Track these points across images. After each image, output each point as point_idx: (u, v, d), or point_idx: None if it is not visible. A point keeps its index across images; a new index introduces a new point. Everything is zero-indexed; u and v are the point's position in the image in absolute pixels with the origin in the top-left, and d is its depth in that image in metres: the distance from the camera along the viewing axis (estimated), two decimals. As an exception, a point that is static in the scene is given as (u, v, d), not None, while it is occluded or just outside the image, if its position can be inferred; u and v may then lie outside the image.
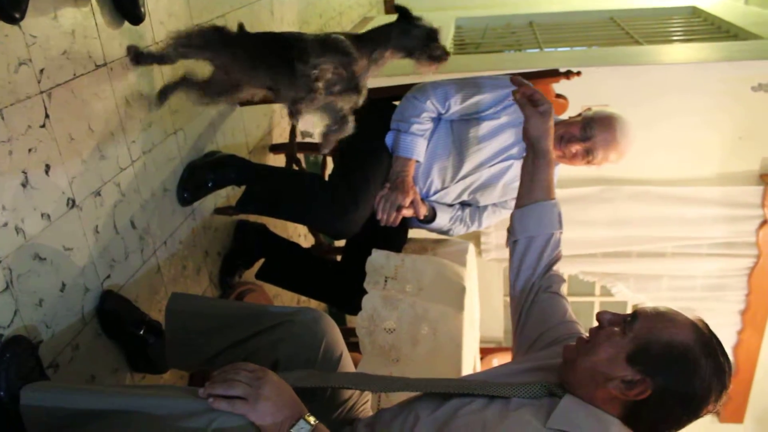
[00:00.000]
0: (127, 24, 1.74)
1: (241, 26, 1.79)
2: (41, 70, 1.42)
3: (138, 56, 1.76)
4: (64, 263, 1.50)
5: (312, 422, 1.08)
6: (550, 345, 1.43)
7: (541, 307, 1.50)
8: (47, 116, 1.44)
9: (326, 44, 1.62)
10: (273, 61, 1.67)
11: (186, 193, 2.06)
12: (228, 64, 1.75)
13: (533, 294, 1.52)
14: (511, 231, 1.60)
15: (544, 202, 1.55)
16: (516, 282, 1.56)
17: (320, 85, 1.58)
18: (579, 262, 4.02)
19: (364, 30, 1.75)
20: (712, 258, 3.95)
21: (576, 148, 2.03)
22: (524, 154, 2.11)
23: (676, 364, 1.14)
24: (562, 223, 1.57)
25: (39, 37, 1.41)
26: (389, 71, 3.72)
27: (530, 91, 1.55)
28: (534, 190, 1.56)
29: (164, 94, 1.87)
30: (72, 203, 1.53)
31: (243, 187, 2.17)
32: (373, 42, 1.67)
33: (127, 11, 1.71)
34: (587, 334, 1.26)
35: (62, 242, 1.50)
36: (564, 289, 1.54)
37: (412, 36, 1.64)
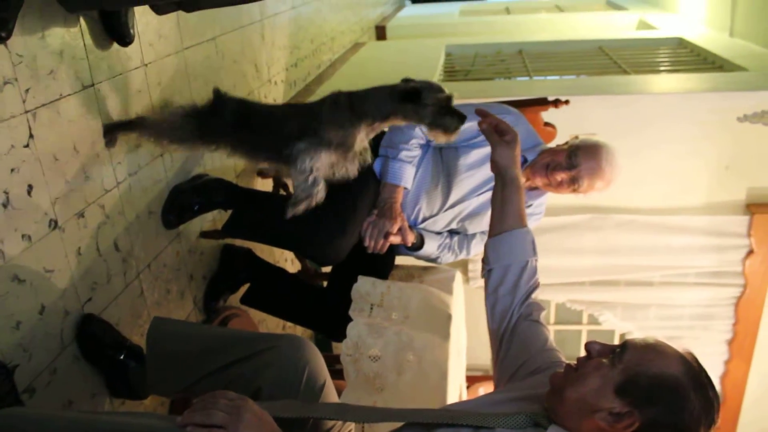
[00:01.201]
0: (116, 45, 1.74)
1: (216, 98, 1.62)
2: (27, 90, 1.41)
3: (112, 139, 1.71)
4: (44, 285, 1.48)
5: (292, 453, 1.06)
6: (532, 373, 1.41)
7: (521, 336, 1.48)
8: (31, 136, 1.42)
9: (320, 137, 1.49)
10: (264, 153, 1.58)
11: (171, 216, 2.05)
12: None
13: (513, 323, 1.50)
14: (485, 260, 1.59)
15: (517, 230, 1.54)
16: (494, 311, 1.55)
17: (319, 188, 1.52)
18: (567, 290, 4.01)
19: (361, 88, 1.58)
20: (699, 287, 3.95)
21: (561, 176, 2.04)
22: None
23: (665, 396, 1.13)
24: (535, 250, 1.56)
25: (25, 57, 1.40)
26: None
27: (495, 121, 1.55)
28: (505, 218, 1.55)
29: (111, 132, 1.71)
30: (54, 224, 1.51)
31: (230, 211, 2.16)
32: (371, 117, 1.53)
33: (116, 33, 1.71)
34: (574, 362, 1.25)
35: (43, 264, 1.47)
36: (543, 316, 1.53)
37: (422, 116, 1.50)
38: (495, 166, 1.57)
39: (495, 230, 1.57)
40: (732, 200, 3.68)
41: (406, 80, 1.54)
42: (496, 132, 1.55)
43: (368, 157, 1.59)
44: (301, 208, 1.54)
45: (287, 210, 1.56)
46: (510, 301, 1.52)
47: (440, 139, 1.53)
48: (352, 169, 1.57)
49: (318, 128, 1.48)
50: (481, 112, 1.57)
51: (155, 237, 2.00)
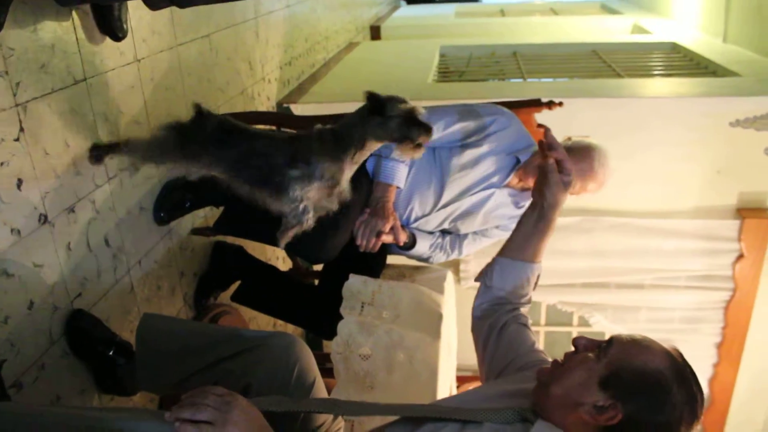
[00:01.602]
0: (108, 40, 1.73)
1: (198, 114, 1.59)
2: (18, 83, 1.40)
3: (99, 157, 1.70)
4: (33, 280, 1.47)
5: (281, 449, 1.06)
6: (519, 370, 1.42)
7: (510, 338, 1.50)
8: (22, 130, 1.41)
9: (314, 167, 1.47)
10: (245, 174, 1.54)
11: (163, 212, 2.04)
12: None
13: (499, 327, 1.52)
14: (488, 274, 1.59)
15: (531, 264, 1.55)
16: (480, 318, 1.57)
17: (308, 216, 1.51)
18: (558, 292, 4.02)
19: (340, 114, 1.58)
20: (689, 291, 3.97)
21: (555, 177, 2.04)
22: (506, 182, 2.13)
23: (648, 390, 1.13)
24: (537, 284, 1.58)
25: (17, 50, 1.39)
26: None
27: (563, 157, 1.47)
28: (526, 248, 1.55)
29: (98, 152, 1.70)
30: (44, 219, 1.50)
31: (221, 208, 2.15)
32: (352, 145, 1.50)
33: (108, 28, 1.70)
34: (561, 358, 1.26)
35: (32, 259, 1.46)
36: (530, 324, 1.56)
37: (388, 129, 1.44)
38: (539, 197, 1.52)
39: (511, 253, 1.57)
40: (723, 204, 3.70)
41: (369, 93, 1.52)
42: (557, 168, 1.48)
43: (348, 194, 1.58)
44: (291, 234, 1.54)
45: (278, 239, 1.55)
46: (500, 312, 1.54)
47: (409, 154, 1.49)
48: (331, 206, 1.56)
49: (311, 158, 1.48)
50: (550, 145, 1.48)
51: (146, 233, 1.99)
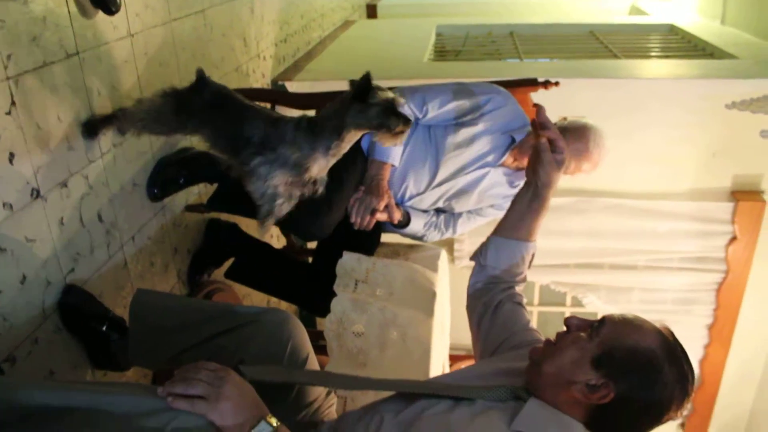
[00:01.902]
0: (101, 14, 1.71)
1: (200, 78, 1.59)
2: (8, 56, 1.38)
3: (92, 131, 1.70)
4: (26, 255, 1.46)
5: (274, 424, 1.06)
6: (513, 348, 1.43)
7: (505, 316, 1.50)
8: (13, 103, 1.40)
9: (277, 155, 1.47)
10: (222, 143, 1.55)
11: (156, 188, 2.03)
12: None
13: (494, 306, 1.52)
14: (482, 253, 1.59)
15: (525, 243, 1.55)
16: (474, 296, 1.58)
17: (279, 203, 1.50)
18: (551, 272, 4.03)
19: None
20: (682, 272, 3.99)
21: (550, 157, 2.03)
22: (501, 161, 2.13)
23: (639, 369, 1.14)
24: (532, 263, 1.59)
25: (7, 22, 1.37)
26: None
27: (556, 136, 1.47)
28: (520, 228, 1.55)
29: (92, 125, 1.70)
30: (36, 194, 1.49)
31: (215, 185, 2.14)
32: (328, 134, 1.49)
33: (101, 1, 1.68)
34: (553, 338, 1.26)
35: (24, 233, 1.46)
36: (525, 303, 1.57)
37: (368, 116, 1.43)
38: (533, 177, 1.51)
39: (505, 232, 1.57)
40: (718, 187, 3.70)
41: (359, 79, 1.51)
42: (551, 146, 1.47)
43: (322, 188, 1.58)
44: (270, 222, 1.54)
45: (260, 229, 1.56)
46: (494, 291, 1.55)
47: (387, 142, 1.49)
48: (298, 194, 1.55)
49: (278, 146, 1.47)
50: (543, 124, 1.48)
51: (140, 209, 1.98)
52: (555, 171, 1.49)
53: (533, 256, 1.58)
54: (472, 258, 1.63)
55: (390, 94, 1.45)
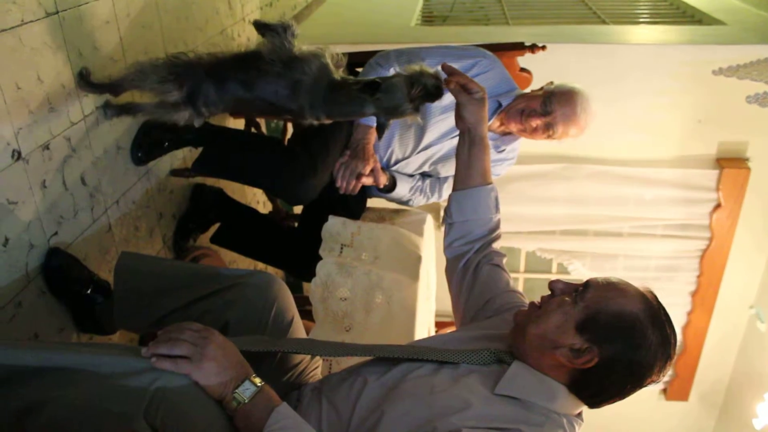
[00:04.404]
0: (81, -29, 1.67)
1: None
2: (-15, 14, 1.35)
3: (89, 84, 1.69)
4: (8, 217, 1.45)
5: (258, 383, 1.07)
6: (496, 313, 1.44)
7: (484, 279, 1.51)
8: (-9, 63, 1.37)
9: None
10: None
11: (140, 152, 2.01)
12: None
13: (473, 267, 1.53)
14: (447, 213, 1.60)
15: (482, 187, 1.56)
16: (453, 258, 1.59)
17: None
18: (537, 239, 4.06)
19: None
20: (666, 239, 4.02)
21: (536, 122, 2.03)
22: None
23: (623, 333, 1.16)
24: (498, 207, 1.59)
25: (-17, -21, 1.34)
26: (352, 39, 3.65)
27: (464, 81, 1.51)
28: (471, 176, 1.56)
29: (87, 76, 1.70)
30: (17, 155, 1.47)
31: (200, 149, 2.12)
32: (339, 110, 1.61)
33: (81, -42, 1.64)
34: (538, 301, 1.27)
35: (6, 195, 1.44)
36: (505, 263, 1.57)
37: (394, 105, 1.54)
38: (462, 123, 1.56)
39: (460, 185, 1.58)
40: (703, 154, 3.72)
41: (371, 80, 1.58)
42: (464, 90, 1.52)
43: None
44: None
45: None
46: (469, 251, 1.55)
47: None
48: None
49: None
50: (448, 70, 1.53)
51: (124, 173, 1.97)
52: (478, 107, 1.52)
53: (497, 199, 1.59)
54: (441, 223, 1.64)
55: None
